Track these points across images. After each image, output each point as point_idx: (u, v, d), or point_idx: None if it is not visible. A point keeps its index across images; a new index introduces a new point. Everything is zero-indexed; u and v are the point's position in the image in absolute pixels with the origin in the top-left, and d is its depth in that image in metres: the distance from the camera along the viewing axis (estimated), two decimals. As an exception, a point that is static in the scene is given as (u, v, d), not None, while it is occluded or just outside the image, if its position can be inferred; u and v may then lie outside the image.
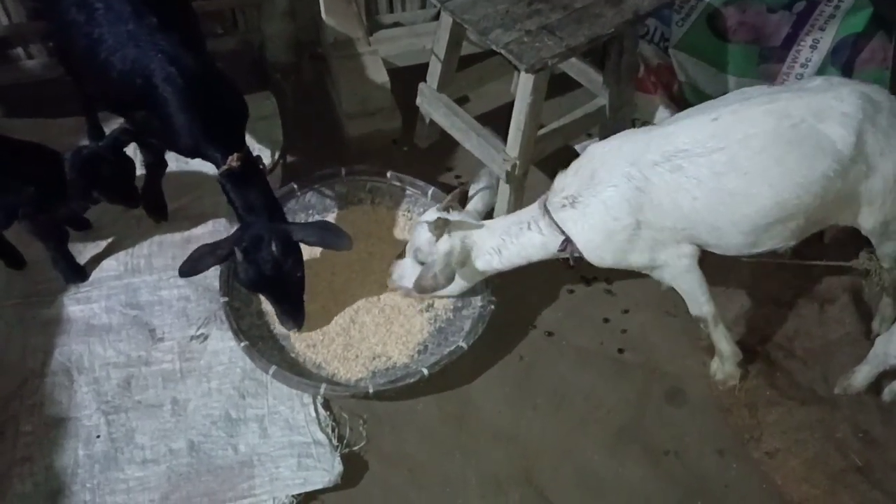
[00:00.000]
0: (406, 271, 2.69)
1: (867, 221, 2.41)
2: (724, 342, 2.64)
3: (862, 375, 2.59)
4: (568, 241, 2.44)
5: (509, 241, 2.52)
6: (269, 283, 2.56)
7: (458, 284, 2.64)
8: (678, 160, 2.28)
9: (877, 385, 2.64)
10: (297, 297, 2.66)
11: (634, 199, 2.31)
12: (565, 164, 3.34)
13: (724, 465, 2.57)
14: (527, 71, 2.59)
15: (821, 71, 3.18)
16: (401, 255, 2.75)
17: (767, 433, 2.60)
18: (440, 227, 2.50)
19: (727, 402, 2.70)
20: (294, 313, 2.66)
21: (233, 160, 2.51)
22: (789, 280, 2.94)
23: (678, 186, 2.28)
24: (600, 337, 2.89)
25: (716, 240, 2.38)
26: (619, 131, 3.21)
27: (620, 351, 2.86)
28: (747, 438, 2.61)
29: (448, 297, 2.80)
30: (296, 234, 2.56)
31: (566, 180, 2.46)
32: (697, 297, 2.53)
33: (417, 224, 2.66)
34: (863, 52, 3.19)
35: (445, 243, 2.53)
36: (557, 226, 2.43)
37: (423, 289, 2.56)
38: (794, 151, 2.22)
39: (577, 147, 3.49)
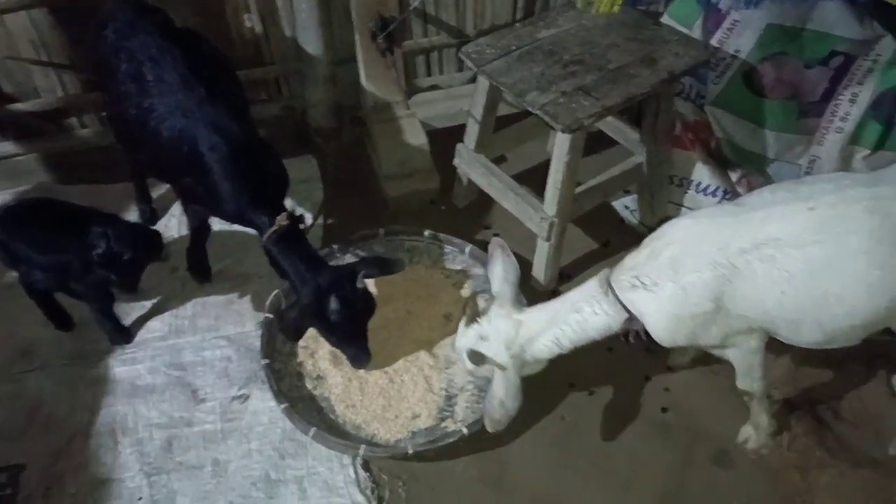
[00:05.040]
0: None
1: None
2: (763, 415, 2.58)
3: (918, 437, 2.50)
4: (630, 319, 2.31)
5: (567, 325, 2.35)
6: (357, 322, 2.66)
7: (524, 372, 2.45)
8: (770, 250, 2.15)
9: (935, 447, 2.55)
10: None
11: (717, 287, 2.19)
12: (602, 221, 3.38)
13: (775, 530, 2.49)
14: (563, 131, 2.62)
15: (861, 124, 3.15)
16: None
17: (819, 497, 2.51)
18: (478, 359, 2.36)
19: (776, 465, 2.61)
20: (367, 349, 2.73)
21: (282, 219, 2.57)
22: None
23: (767, 278, 2.16)
24: (642, 396, 2.84)
25: (792, 334, 2.27)
26: (656, 188, 3.27)
27: (664, 410, 2.80)
28: (799, 503, 2.52)
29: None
30: (361, 272, 2.63)
31: (638, 259, 2.32)
32: (753, 375, 2.45)
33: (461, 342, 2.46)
34: (905, 104, 3.17)
35: (500, 359, 2.35)
36: (622, 305, 2.30)
37: (497, 423, 2.40)
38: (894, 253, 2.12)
39: (614, 203, 3.50)
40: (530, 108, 2.68)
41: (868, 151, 3.23)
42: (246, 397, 2.80)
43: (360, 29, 3.26)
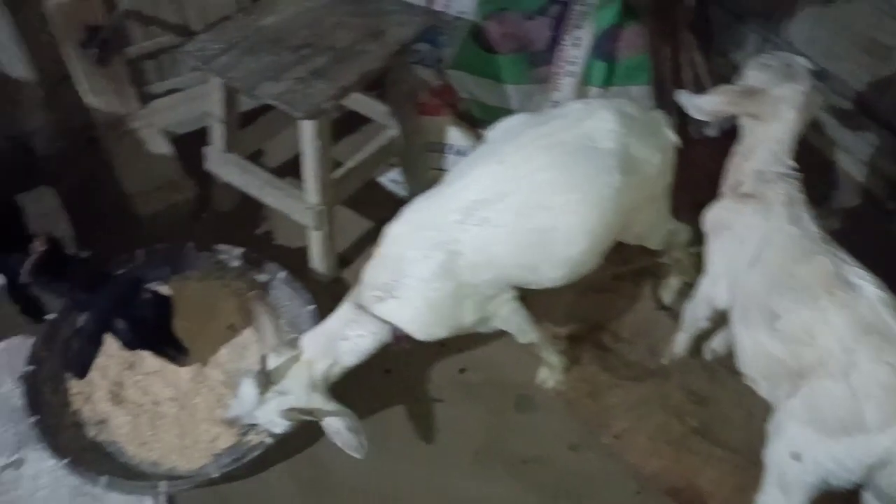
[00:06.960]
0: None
1: (640, 227, 2.59)
2: (553, 357, 2.72)
3: (680, 342, 2.73)
4: (395, 328, 2.37)
5: (343, 353, 2.37)
6: (156, 330, 2.50)
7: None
8: (480, 212, 2.26)
9: (697, 347, 2.79)
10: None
11: (450, 264, 2.27)
12: (372, 198, 3.37)
13: (580, 458, 2.63)
14: (303, 118, 2.56)
15: (588, 65, 3.37)
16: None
17: (612, 416, 2.69)
18: (298, 413, 2.32)
19: (571, 396, 2.77)
20: (179, 347, 2.57)
21: (39, 244, 2.32)
22: (604, 267, 3.04)
23: (489, 237, 2.27)
24: (440, 361, 2.89)
25: (535, 278, 2.40)
26: (415, 158, 3.30)
27: (462, 371, 2.87)
28: (596, 426, 2.69)
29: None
30: (143, 284, 2.49)
31: (374, 272, 2.37)
32: (524, 330, 2.57)
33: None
34: (621, 41, 3.42)
35: (315, 403, 2.35)
36: (380, 319, 2.35)
37: (360, 447, 2.32)
38: (583, 175, 2.28)
39: (380, 179, 3.50)
40: (266, 100, 2.59)
41: (599, 89, 3.46)
42: (20, 462, 2.52)
43: (65, 43, 2.97)
